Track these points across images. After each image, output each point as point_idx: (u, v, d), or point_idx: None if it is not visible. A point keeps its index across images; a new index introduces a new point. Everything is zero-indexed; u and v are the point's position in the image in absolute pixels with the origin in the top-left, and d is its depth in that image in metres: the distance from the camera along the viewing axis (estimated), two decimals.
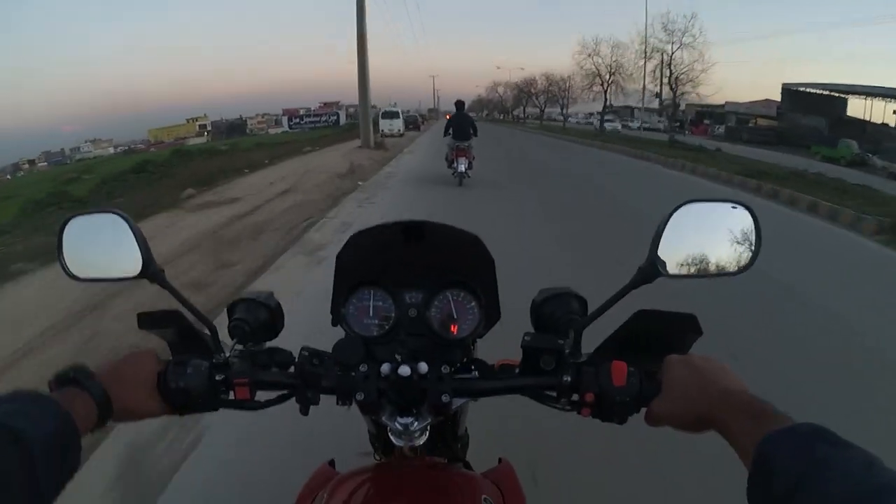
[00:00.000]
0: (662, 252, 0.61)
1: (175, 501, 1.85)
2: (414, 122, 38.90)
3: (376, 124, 27.75)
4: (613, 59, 29.97)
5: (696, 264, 0.65)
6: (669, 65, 22.35)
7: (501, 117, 75.69)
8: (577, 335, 0.67)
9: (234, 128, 75.86)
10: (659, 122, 40.75)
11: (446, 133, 9.27)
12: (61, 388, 0.55)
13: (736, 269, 0.65)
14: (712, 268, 0.65)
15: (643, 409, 0.62)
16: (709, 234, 0.65)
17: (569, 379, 0.64)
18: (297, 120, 59.32)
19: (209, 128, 76.80)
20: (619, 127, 40.05)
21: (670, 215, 0.62)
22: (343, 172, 11.11)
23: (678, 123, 40.39)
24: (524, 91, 52.29)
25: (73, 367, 0.57)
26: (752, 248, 0.65)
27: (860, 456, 0.38)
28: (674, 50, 22.19)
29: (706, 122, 40.24)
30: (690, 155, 15.07)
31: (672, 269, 0.63)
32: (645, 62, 25.09)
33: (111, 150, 76.43)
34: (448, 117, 10.23)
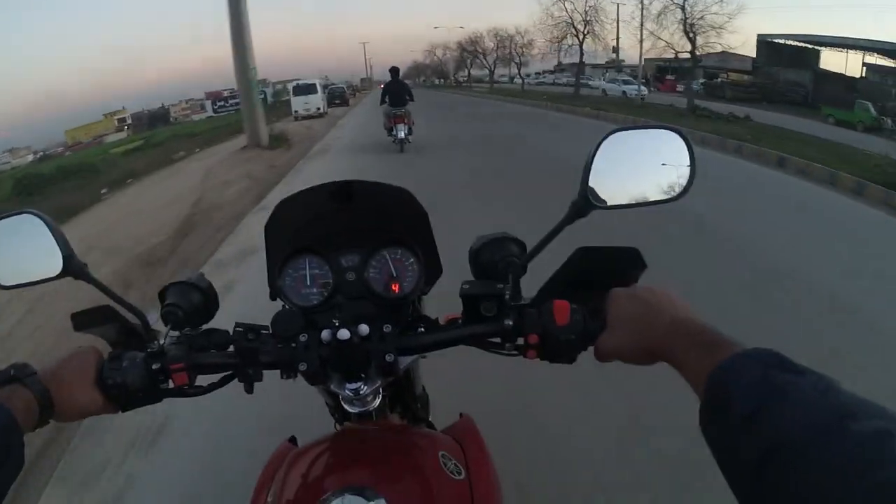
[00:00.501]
0: (595, 184, 0.62)
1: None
2: (340, 96, 32.82)
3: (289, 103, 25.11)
4: (589, 3, 24.60)
5: (630, 194, 0.66)
6: (683, 6, 16.77)
7: (441, 82, 72.16)
8: (516, 278, 0.69)
9: (155, 118, 72.80)
10: (624, 80, 38.39)
11: (382, 101, 9.50)
12: (1, 386, 0.56)
13: (673, 195, 0.66)
14: (648, 196, 0.66)
15: (591, 348, 0.63)
16: (642, 163, 0.66)
17: (510, 323, 0.66)
18: (222, 102, 56.51)
19: (129, 121, 73.90)
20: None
21: (598, 145, 0.63)
22: (153, 246, 5.02)
23: (645, 80, 37.14)
24: (468, 51, 47.46)
25: (14, 366, 0.58)
26: (687, 171, 0.66)
27: (816, 380, 0.39)
28: None
29: (668, 77, 37.85)
30: (732, 129, 10.89)
31: (604, 201, 0.63)
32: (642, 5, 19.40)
33: (30, 158, 70.80)
34: (382, 86, 10.67)
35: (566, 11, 24.76)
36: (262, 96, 50.25)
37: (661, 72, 40.75)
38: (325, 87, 31.45)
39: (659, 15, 18.07)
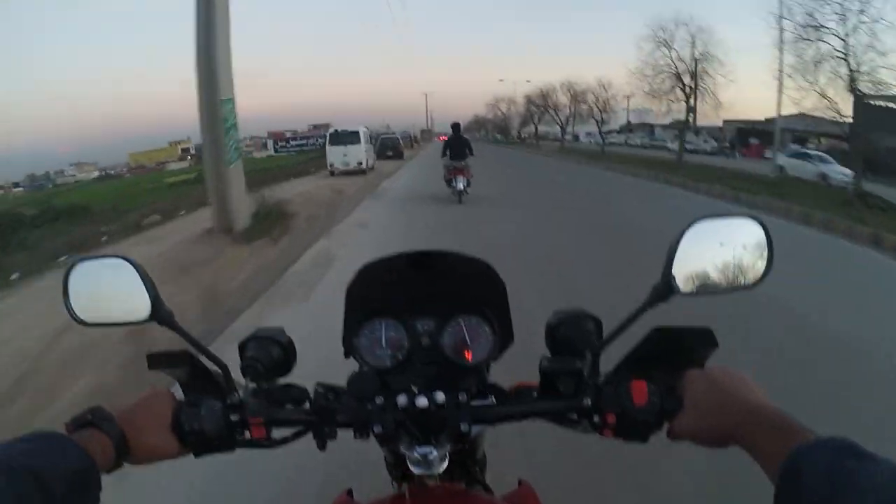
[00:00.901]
0: (676, 270, 0.67)
1: None
2: (394, 148, 29.01)
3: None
4: (700, 50, 20.44)
5: (709, 281, 0.70)
6: (846, 56, 12.86)
7: (501, 138, 72.48)
8: (595, 356, 0.73)
9: None
10: (705, 142, 37.07)
11: (444, 154, 10.62)
12: (79, 430, 0.60)
13: (750, 282, 0.71)
14: (725, 283, 0.71)
15: (665, 426, 0.67)
16: (721, 251, 0.71)
17: (589, 401, 0.70)
18: (283, 143, 58.34)
19: (192, 151, 77.18)
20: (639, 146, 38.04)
21: (682, 234, 0.68)
22: None
23: (728, 145, 35.92)
24: (536, 105, 45.32)
25: (91, 410, 0.62)
26: (765, 261, 0.70)
27: (887, 468, 0.42)
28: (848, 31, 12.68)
29: (752, 141, 35.54)
30: None
31: (686, 286, 0.69)
32: (781, 54, 14.82)
33: (95, 174, 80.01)
34: (443, 139, 12.31)
35: (671, 60, 20.83)
36: (323, 141, 48.57)
37: (743, 134, 38.08)
38: (376, 136, 29.34)
39: (816, 64, 13.65)
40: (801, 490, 0.43)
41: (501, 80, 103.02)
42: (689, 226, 0.68)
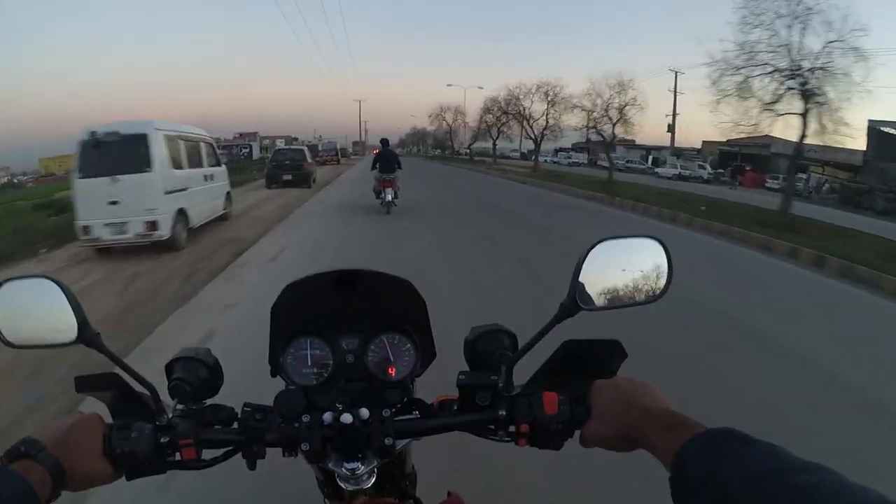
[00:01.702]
0: (583, 287, 0.76)
1: None
2: (296, 168, 20.14)
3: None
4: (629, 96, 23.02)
5: (614, 296, 0.80)
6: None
7: (440, 153, 70.64)
8: (509, 370, 0.82)
9: None
10: (701, 168, 35.21)
11: (373, 167, 12.29)
12: (12, 462, 0.62)
13: (650, 297, 0.81)
14: (628, 297, 0.81)
15: (577, 434, 0.77)
16: (625, 268, 0.80)
17: (503, 412, 0.79)
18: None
19: None
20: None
21: (587, 252, 0.78)
22: None
23: (723, 172, 34.08)
24: (505, 112, 38.38)
25: (23, 442, 0.64)
26: (665, 277, 0.81)
27: (764, 447, 0.51)
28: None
29: (747, 167, 34.55)
30: None
31: (591, 302, 0.78)
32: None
33: (5, 179, 75.59)
34: (375, 151, 13.33)
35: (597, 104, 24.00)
36: (248, 150, 43.64)
37: (725, 159, 35.75)
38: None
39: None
40: (686, 476, 0.53)
41: (450, 86, 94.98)
42: (593, 245, 0.79)
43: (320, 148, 44.93)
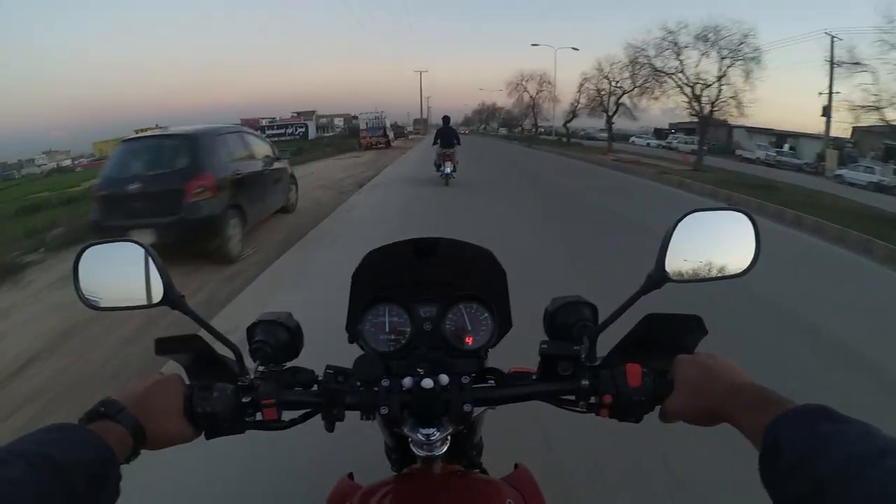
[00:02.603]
0: (669, 259, 0.79)
1: None
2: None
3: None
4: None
5: (699, 268, 0.83)
6: None
7: (506, 132, 68.86)
8: (592, 341, 0.86)
9: None
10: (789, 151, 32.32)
11: (434, 143, 14.23)
12: (91, 423, 0.65)
13: (738, 271, 0.84)
14: (715, 271, 0.84)
15: (657, 408, 0.79)
16: (712, 240, 0.83)
17: (587, 383, 0.82)
18: (258, 132, 56.15)
19: None
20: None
21: (676, 224, 0.80)
22: None
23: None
24: (656, 70, 25.94)
25: (103, 402, 0.68)
26: (752, 250, 0.83)
27: (858, 427, 0.51)
28: None
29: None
30: None
31: (678, 274, 0.81)
32: None
33: (67, 162, 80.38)
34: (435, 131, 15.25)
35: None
36: (304, 130, 44.76)
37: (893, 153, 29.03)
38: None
39: None
40: (778, 453, 0.54)
41: (535, 45, 68.72)
42: (682, 217, 0.81)
43: (362, 126, 35.32)
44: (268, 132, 54.14)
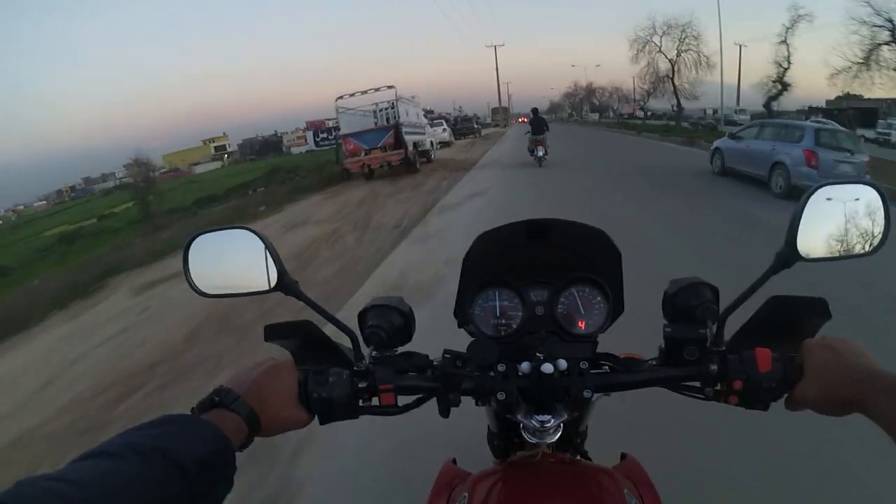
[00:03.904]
0: (800, 236, 0.80)
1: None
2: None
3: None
4: None
5: (829, 245, 0.84)
6: None
7: (578, 117, 70.68)
8: (721, 324, 0.86)
9: (268, 145, 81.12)
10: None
11: (528, 132, 17.54)
12: (206, 412, 0.69)
13: (868, 248, 0.84)
14: (845, 248, 0.84)
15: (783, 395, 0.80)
16: (840, 216, 0.84)
17: (715, 368, 0.83)
18: (325, 135, 55.54)
19: (228, 149, 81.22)
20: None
21: (806, 200, 0.81)
22: None
23: None
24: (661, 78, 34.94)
25: (217, 391, 0.72)
26: (882, 228, 0.84)
27: None
28: None
29: None
30: None
31: (808, 252, 0.81)
32: None
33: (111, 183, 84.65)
34: (522, 120, 19.70)
35: None
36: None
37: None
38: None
39: None
40: None
41: (574, 66, 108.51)
42: (811, 192, 0.81)
43: (345, 130, 18.50)
44: (335, 134, 47.09)
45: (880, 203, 0.84)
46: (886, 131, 31.60)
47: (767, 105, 23.24)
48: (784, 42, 21.60)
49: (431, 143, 23.29)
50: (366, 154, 18.19)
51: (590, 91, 74.81)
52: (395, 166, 18.09)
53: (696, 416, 2.41)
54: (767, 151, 11.04)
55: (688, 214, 8.70)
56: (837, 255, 0.85)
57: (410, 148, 18.48)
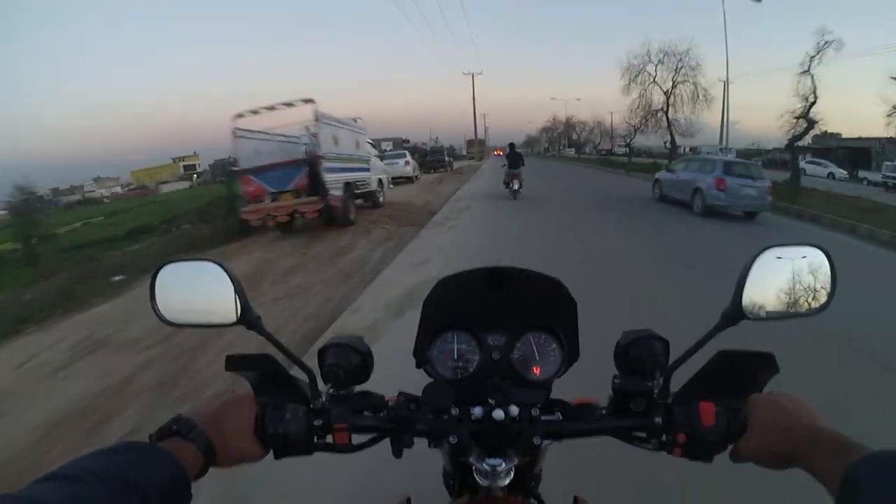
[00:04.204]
0: (745, 296, 0.84)
1: None
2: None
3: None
4: None
5: (775, 305, 0.88)
6: None
7: (556, 152, 72.11)
8: (667, 377, 0.90)
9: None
10: None
11: (503, 165, 19.03)
12: (163, 440, 0.71)
13: (813, 309, 0.88)
14: (791, 308, 0.88)
15: (728, 448, 0.83)
16: (786, 276, 0.88)
17: (660, 420, 0.87)
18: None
19: (199, 168, 79.53)
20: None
21: (753, 260, 0.85)
22: None
23: None
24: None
25: (175, 420, 0.73)
26: (829, 286, 0.88)
27: None
28: None
29: None
30: None
31: (755, 311, 0.85)
32: None
33: (116, 189, 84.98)
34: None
35: None
36: None
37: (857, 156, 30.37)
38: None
39: None
40: (860, 501, 0.55)
41: (553, 99, 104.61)
42: (758, 253, 0.85)
43: (243, 164, 12.58)
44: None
45: (827, 264, 0.88)
46: (894, 175, 29.21)
47: (791, 145, 21.02)
48: (807, 72, 19.86)
49: (381, 181, 17.68)
50: (272, 200, 12.36)
51: (569, 125, 73.63)
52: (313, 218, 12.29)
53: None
54: (691, 180, 14.73)
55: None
56: (784, 314, 0.88)
57: (339, 192, 12.68)
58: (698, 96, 30.62)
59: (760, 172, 13.95)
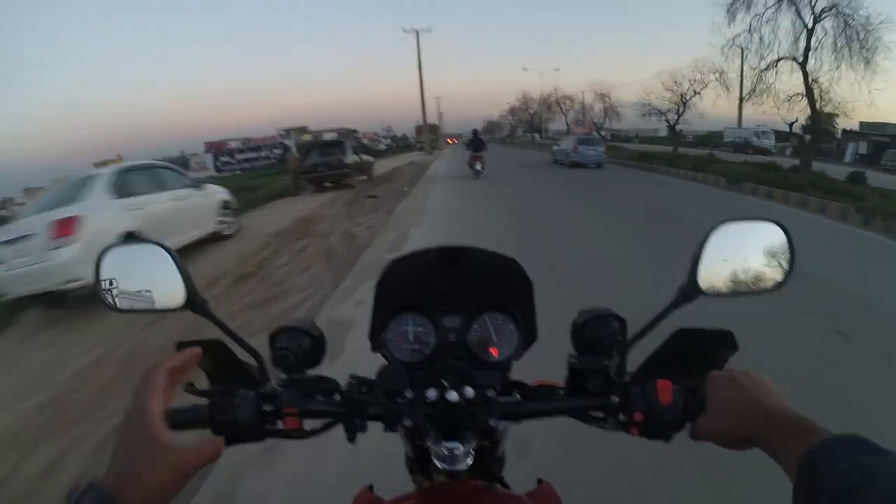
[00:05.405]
0: (702, 272, 0.86)
1: None
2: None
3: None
4: None
5: (732, 282, 0.90)
6: None
7: (531, 138, 68.68)
8: (623, 356, 0.93)
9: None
10: None
11: (468, 148, 22.78)
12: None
13: (771, 285, 0.91)
14: (748, 285, 0.90)
15: (687, 426, 0.84)
16: (744, 253, 0.90)
17: (617, 399, 0.88)
18: (227, 158, 50.14)
19: None
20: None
21: (707, 236, 0.87)
22: None
23: None
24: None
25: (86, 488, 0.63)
26: (787, 264, 0.90)
27: None
28: None
29: None
30: None
31: (710, 287, 0.87)
32: None
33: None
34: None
35: None
36: (281, 152, 34.01)
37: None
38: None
39: None
40: (818, 485, 0.57)
41: (525, 69, 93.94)
42: (713, 228, 0.87)
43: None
44: (237, 157, 48.69)
45: (785, 240, 0.89)
46: None
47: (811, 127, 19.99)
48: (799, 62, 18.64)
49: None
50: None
51: (548, 103, 66.53)
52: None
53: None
54: (565, 149, 27.25)
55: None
56: (740, 291, 0.89)
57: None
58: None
59: (600, 143, 27.43)
